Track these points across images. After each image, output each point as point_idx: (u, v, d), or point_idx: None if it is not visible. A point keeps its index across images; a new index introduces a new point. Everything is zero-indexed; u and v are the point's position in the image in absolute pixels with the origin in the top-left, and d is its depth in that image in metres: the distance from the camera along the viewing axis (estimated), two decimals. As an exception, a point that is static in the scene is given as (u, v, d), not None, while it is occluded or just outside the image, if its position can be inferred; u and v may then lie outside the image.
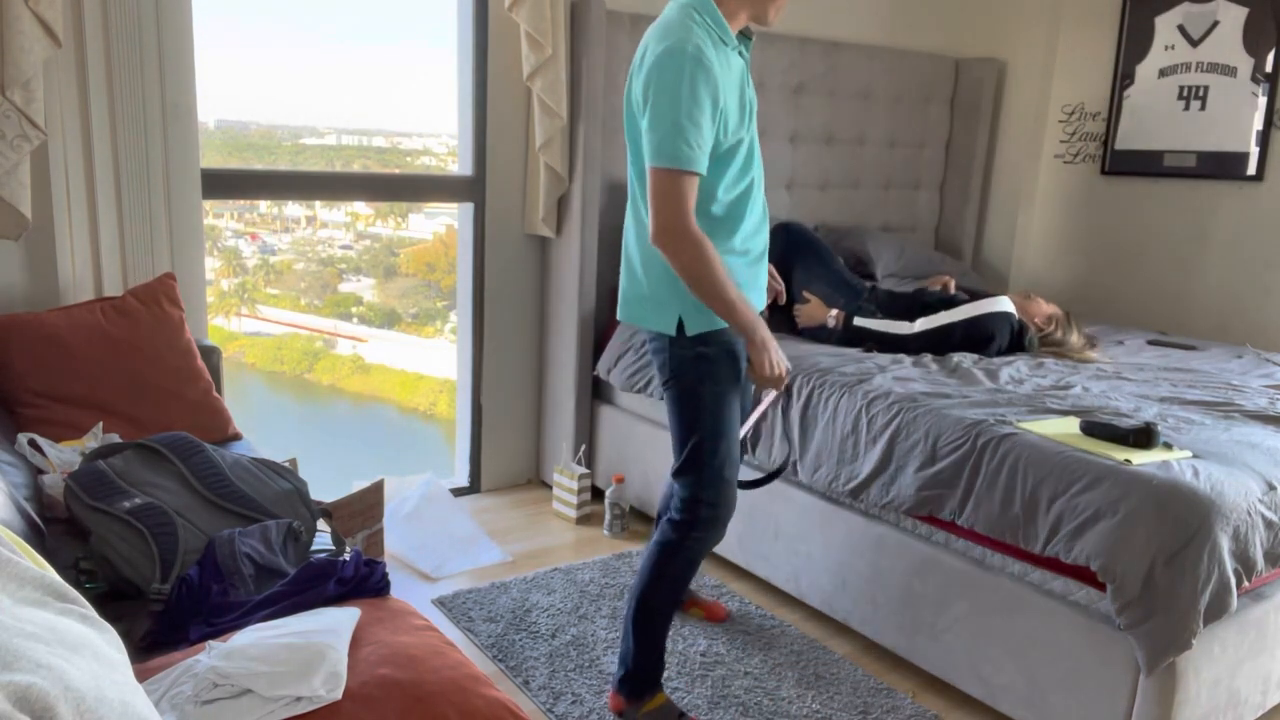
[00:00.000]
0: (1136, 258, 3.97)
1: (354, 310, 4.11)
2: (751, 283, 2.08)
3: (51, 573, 0.86)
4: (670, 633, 2.49)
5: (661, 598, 2.10)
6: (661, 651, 2.13)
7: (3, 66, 2.23)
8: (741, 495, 2.76)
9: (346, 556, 1.61)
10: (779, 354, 2.01)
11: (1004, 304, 2.97)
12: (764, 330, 1.97)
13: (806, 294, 3.06)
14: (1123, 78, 3.91)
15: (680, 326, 1.99)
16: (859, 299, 3.03)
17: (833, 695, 2.28)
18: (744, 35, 2.04)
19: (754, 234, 2.06)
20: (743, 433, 2.20)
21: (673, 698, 2.22)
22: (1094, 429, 2.12)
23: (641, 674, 2.12)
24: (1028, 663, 2.08)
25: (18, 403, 2.21)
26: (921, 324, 2.90)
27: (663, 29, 1.88)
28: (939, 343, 2.88)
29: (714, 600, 2.65)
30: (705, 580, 2.84)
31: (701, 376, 2.01)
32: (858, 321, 2.94)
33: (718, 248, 1.96)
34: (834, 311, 2.99)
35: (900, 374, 2.61)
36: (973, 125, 4.20)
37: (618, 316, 2.15)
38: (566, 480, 3.26)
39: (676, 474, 2.08)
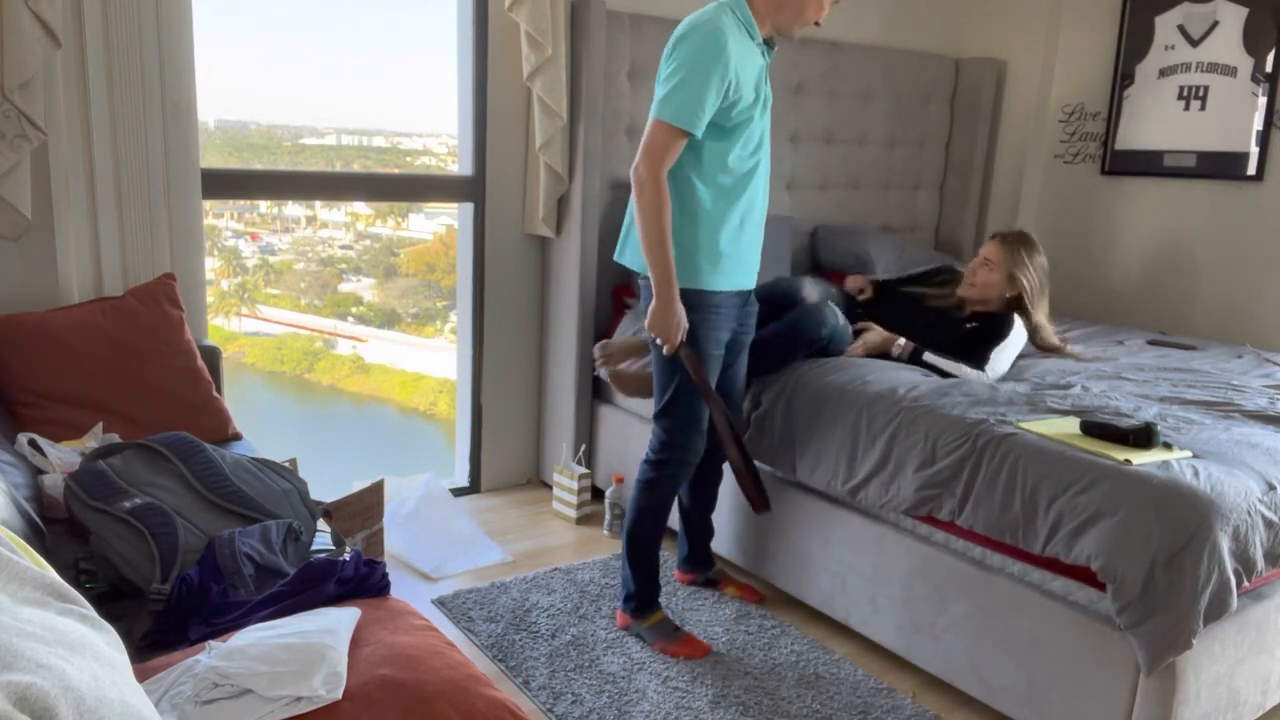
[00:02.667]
0: (1136, 258, 3.97)
1: (354, 310, 4.11)
2: (742, 256, 2.32)
3: (51, 573, 0.86)
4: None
5: (646, 530, 2.44)
6: (655, 576, 2.48)
7: (3, 66, 2.23)
8: (740, 494, 2.76)
9: (346, 556, 1.61)
10: (678, 320, 2.21)
11: (1021, 327, 2.83)
12: (675, 297, 2.19)
13: (866, 324, 2.77)
14: (1123, 78, 3.91)
15: None
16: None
17: (833, 695, 2.28)
18: (768, 43, 2.30)
19: (751, 212, 2.31)
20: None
21: (673, 699, 2.23)
22: (1094, 429, 2.12)
23: (641, 595, 2.47)
24: (1028, 663, 2.08)
25: (18, 403, 2.21)
26: (995, 371, 2.66)
27: (695, 16, 2.16)
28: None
29: (747, 583, 2.78)
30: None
31: (688, 339, 2.26)
32: (927, 357, 2.68)
33: (719, 215, 2.24)
34: (901, 340, 2.72)
35: (899, 373, 2.60)
36: (973, 125, 4.20)
37: (615, 256, 2.41)
38: (566, 480, 3.26)
39: (656, 417, 2.38)
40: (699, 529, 2.71)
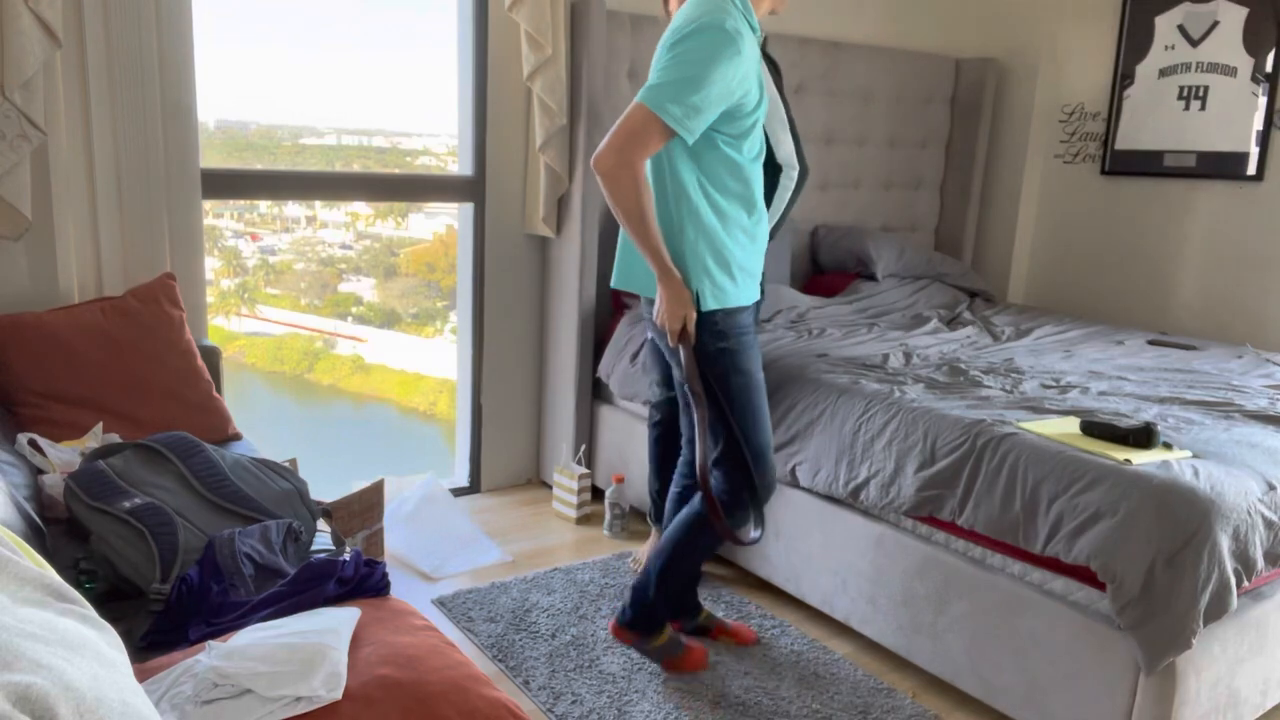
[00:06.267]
0: (1136, 258, 3.97)
1: (354, 310, 4.11)
2: (754, 266, 2.15)
3: (51, 573, 0.86)
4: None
5: (691, 562, 2.26)
6: (677, 601, 2.34)
7: (3, 66, 2.23)
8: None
9: (346, 556, 1.61)
10: (687, 299, 2.02)
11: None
12: (678, 282, 2.01)
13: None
14: (1123, 78, 3.91)
15: (697, 300, 2.03)
16: None
17: (833, 695, 2.28)
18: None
19: (762, 218, 2.15)
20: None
21: (673, 699, 2.22)
22: (1094, 429, 2.12)
23: (658, 616, 2.29)
24: (1028, 663, 2.08)
25: (18, 403, 2.21)
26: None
27: (699, 3, 1.93)
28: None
29: (739, 624, 2.55)
30: (704, 582, 2.83)
31: (727, 369, 2.07)
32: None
33: (736, 225, 2.07)
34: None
35: (895, 367, 2.60)
36: (973, 125, 4.20)
37: (622, 286, 2.18)
38: (566, 480, 3.26)
39: (716, 462, 2.15)
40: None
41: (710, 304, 2.05)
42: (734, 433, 2.12)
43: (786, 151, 2.42)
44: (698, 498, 2.23)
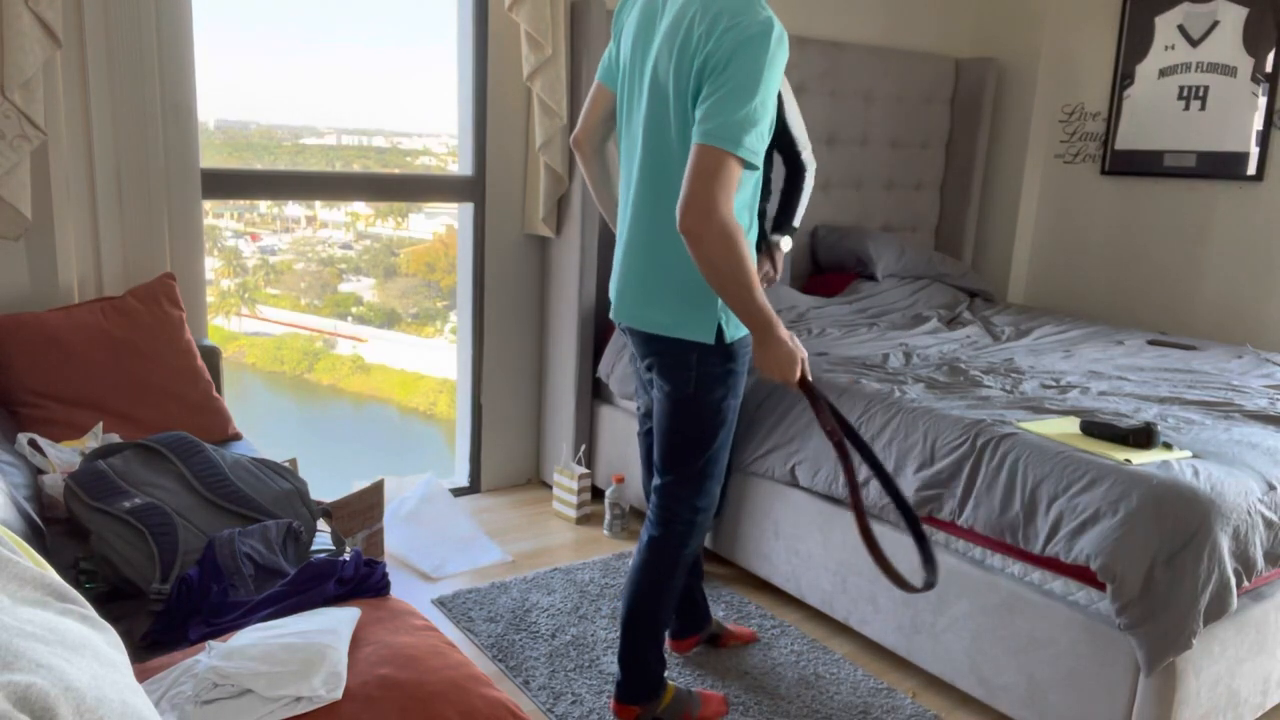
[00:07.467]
0: (1136, 258, 3.97)
1: (354, 310, 4.11)
2: None
3: (51, 573, 0.86)
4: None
5: (665, 604, 2.06)
6: (663, 646, 2.11)
7: (3, 66, 2.23)
8: (739, 493, 2.76)
9: (346, 556, 1.61)
10: (794, 351, 1.80)
11: None
12: (781, 325, 1.79)
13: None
14: (1123, 78, 3.91)
15: (719, 334, 1.85)
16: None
17: (833, 695, 2.28)
18: None
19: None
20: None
21: (673, 698, 2.21)
22: (1094, 429, 2.12)
23: (653, 675, 2.09)
24: (1028, 663, 2.08)
25: (18, 403, 2.21)
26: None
27: (754, 9, 1.69)
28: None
29: (738, 627, 2.52)
30: (705, 582, 2.83)
31: (726, 392, 1.92)
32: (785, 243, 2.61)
33: (750, 246, 1.85)
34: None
35: (894, 376, 2.60)
36: (973, 125, 4.20)
37: (627, 322, 1.96)
38: (566, 480, 3.26)
39: (677, 484, 1.99)
40: (693, 577, 2.37)
41: (733, 334, 1.88)
42: (712, 458, 1.99)
43: (809, 151, 2.35)
44: (644, 544, 2.06)
